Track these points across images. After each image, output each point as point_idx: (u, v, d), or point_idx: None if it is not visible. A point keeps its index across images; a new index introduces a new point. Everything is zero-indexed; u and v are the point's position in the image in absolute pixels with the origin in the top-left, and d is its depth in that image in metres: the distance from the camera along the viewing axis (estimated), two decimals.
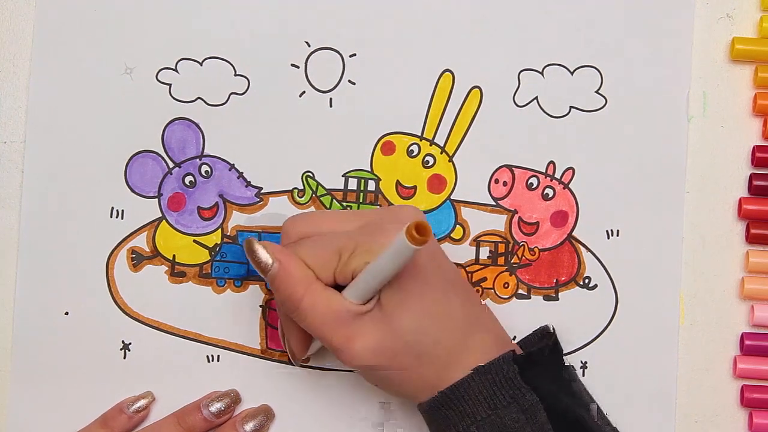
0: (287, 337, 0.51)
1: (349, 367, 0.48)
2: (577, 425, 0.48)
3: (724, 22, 0.55)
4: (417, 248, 0.42)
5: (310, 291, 0.46)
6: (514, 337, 0.54)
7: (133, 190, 0.55)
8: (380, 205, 0.55)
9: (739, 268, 0.55)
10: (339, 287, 0.47)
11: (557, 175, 0.55)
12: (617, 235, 0.55)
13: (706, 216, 0.55)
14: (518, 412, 0.46)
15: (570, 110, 0.55)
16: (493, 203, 0.55)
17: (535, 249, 0.55)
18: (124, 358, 0.55)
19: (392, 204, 0.55)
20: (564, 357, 0.52)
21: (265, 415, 0.54)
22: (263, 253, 0.47)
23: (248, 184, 0.55)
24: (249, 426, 0.53)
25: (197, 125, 0.55)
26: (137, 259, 0.55)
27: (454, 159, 0.55)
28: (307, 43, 0.55)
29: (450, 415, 0.47)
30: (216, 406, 0.53)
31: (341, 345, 0.46)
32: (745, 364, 0.54)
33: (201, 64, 0.55)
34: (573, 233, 0.55)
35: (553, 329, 0.53)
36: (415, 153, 0.55)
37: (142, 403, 0.54)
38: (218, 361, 0.55)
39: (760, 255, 0.55)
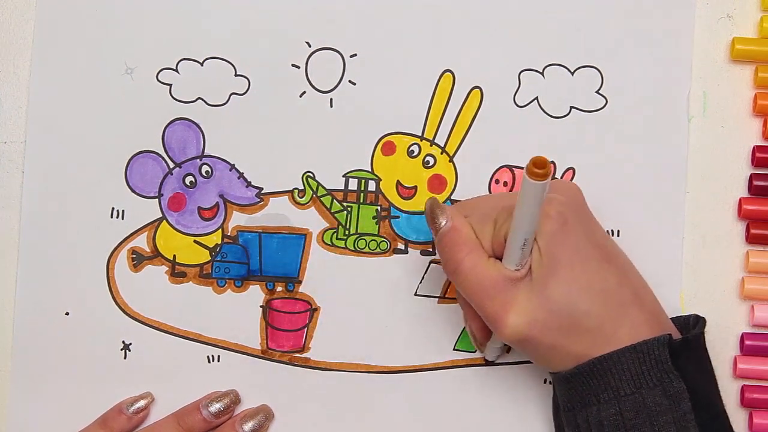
0: (468, 322, 0.52)
1: (502, 339, 0.47)
2: (719, 420, 0.47)
3: (724, 22, 0.55)
4: (540, 183, 0.41)
5: (471, 255, 0.47)
6: None
7: (133, 191, 0.55)
8: (381, 205, 0.55)
9: (739, 268, 0.55)
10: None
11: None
12: (617, 235, 0.55)
13: (706, 216, 0.55)
14: (662, 396, 0.45)
15: (570, 110, 0.55)
16: None
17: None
18: (125, 358, 0.55)
19: (393, 204, 0.55)
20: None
21: (265, 415, 0.54)
22: (441, 213, 0.48)
23: (249, 184, 0.55)
24: (248, 426, 0.53)
25: (198, 125, 0.55)
26: (138, 260, 0.55)
27: (454, 159, 0.55)
28: (307, 43, 0.55)
29: (593, 385, 0.46)
30: (215, 407, 0.53)
31: (496, 313, 0.47)
32: (745, 364, 0.54)
33: (201, 64, 0.55)
34: None
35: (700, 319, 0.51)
36: (415, 153, 0.55)
37: (141, 403, 0.54)
38: (218, 361, 0.55)
39: (760, 255, 0.55)
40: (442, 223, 0.48)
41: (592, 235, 0.48)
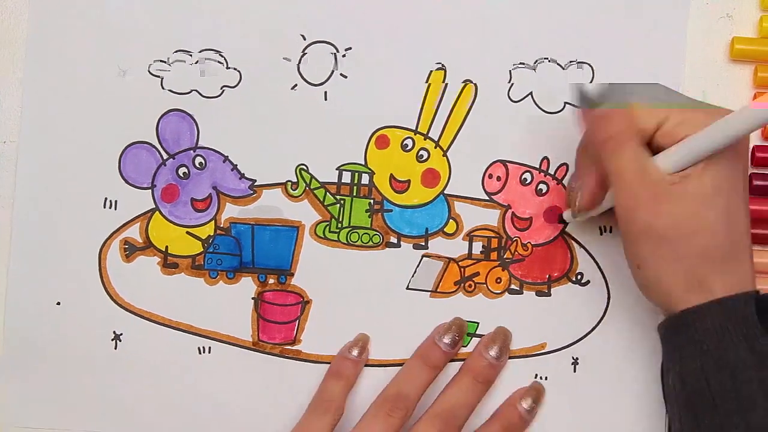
0: (580, 187, 0.50)
1: (633, 234, 0.46)
2: None
3: (724, 22, 0.55)
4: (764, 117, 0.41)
5: (625, 133, 0.46)
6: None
7: (126, 181, 0.55)
8: (374, 199, 0.55)
9: None
10: None
11: (551, 170, 0.55)
12: (610, 232, 0.55)
13: None
14: (747, 351, 0.44)
15: (564, 106, 0.55)
16: (487, 198, 0.55)
17: (528, 244, 0.55)
18: (116, 348, 0.55)
19: (386, 198, 0.55)
20: None
21: (537, 392, 0.54)
22: (594, 89, 0.48)
23: (242, 176, 0.55)
24: (493, 351, 0.54)
25: (192, 117, 0.55)
26: (130, 250, 0.55)
27: (448, 153, 0.55)
28: (302, 36, 0.55)
29: (677, 340, 0.46)
30: (448, 337, 0.54)
31: (647, 203, 0.45)
32: None
33: (193, 56, 0.55)
34: (566, 229, 0.55)
35: None
36: (409, 147, 0.55)
37: (360, 344, 0.54)
38: (209, 352, 0.55)
39: (760, 255, 0.54)
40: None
41: (745, 179, 0.47)
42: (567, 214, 0.54)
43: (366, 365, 0.55)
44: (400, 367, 0.55)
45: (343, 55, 0.55)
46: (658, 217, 0.46)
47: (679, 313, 0.46)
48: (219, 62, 0.55)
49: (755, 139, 0.55)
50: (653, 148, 0.46)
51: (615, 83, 0.52)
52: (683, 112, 0.46)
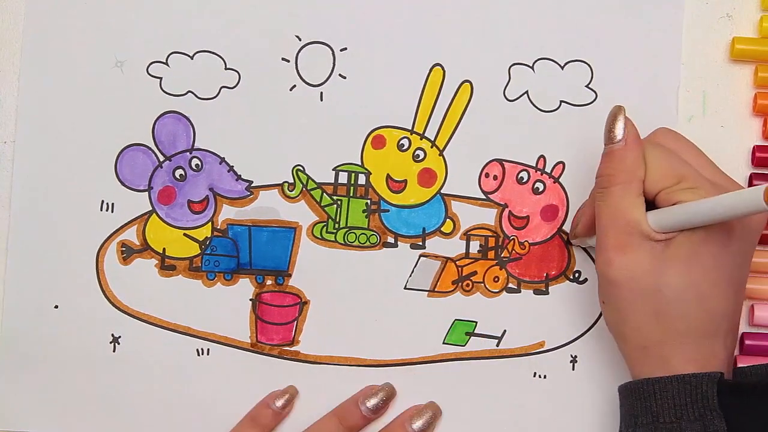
0: (582, 214, 0.52)
1: (598, 272, 0.47)
2: None
3: (724, 22, 0.55)
4: (765, 208, 0.39)
5: (628, 183, 0.46)
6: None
7: (123, 184, 0.55)
8: (370, 199, 0.55)
9: None
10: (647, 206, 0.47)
11: (547, 169, 0.55)
12: None
13: None
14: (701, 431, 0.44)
15: (560, 104, 0.55)
16: (484, 197, 0.55)
17: (525, 243, 0.55)
18: (114, 351, 0.55)
19: (383, 198, 0.55)
20: None
21: (433, 412, 0.54)
22: (620, 127, 0.48)
23: (238, 177, 0.55)
24: (417, 425, 0.53)
25: (188, 119, 0.55)
26: (127, 253, 0.55)
27: (444, 153, 0.55)
28: (297, 37, 0.55)
29: (637, 406, 0.46)
30: (373, 402, 0.53)
31: (609, 248, 0.46)
32: (745, 364, 0.54)
33: (192, 57, 0.55)
34: (563, 227, 0.55)
35: None
36: (405, 147, 0.55)
37: (287, 397, 0.54)
38: (208, 354, 0.55)
39: (760, 255, 0.54)
40: (617, 137, 0.47)
41: (740, 259, 0.47)
42: (575, 240, 0.55)
43: (364, 365, 0.55)
44: (399, 367, 0.55)
45: (341, 52, 0.55)
46: (616, 266, 0.46)
47: (641, 381, 0.46)
48: (217, 63, 0.55)
49: (755, 139, 0.55)
50: (657, 203, 0.47)
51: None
52: (697, 180, 0.46)
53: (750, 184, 0.55)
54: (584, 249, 0.55)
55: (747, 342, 0.54)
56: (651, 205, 0.47)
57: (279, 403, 0.54)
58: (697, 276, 0.45)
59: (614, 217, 0.47)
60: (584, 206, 0.53)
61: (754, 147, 0.55)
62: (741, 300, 0.48)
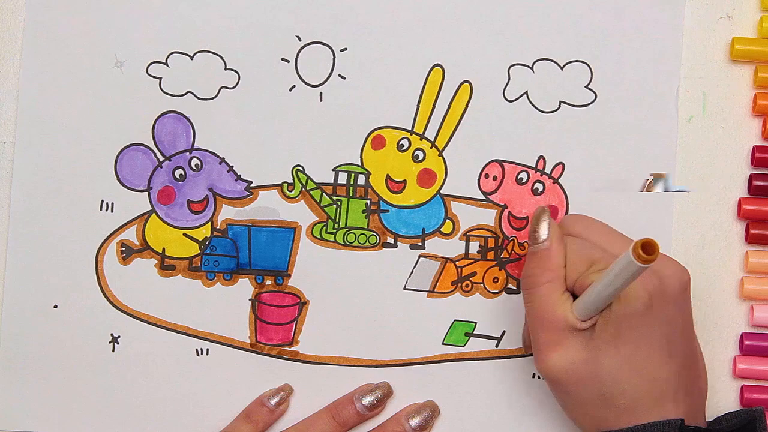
0: (526, 323, 0.52)
1: (537, 369, 0.49)
2: None
3: (724, 22, 0.55)
4: (640, 266, 0.40)
5: (550, 284, 0.48)
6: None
7: (123, 184, 0.55)
8: (370, 199, 0.55)
9: (739, 268, 0.55)
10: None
11: (547, 169, 0.55)
12: None
13: (706, 216, 0.55)
14: None
15: (560, 105, 0.55)
16: (483, 198, 0.55)
17: (525, 244, 0.55)
18: (113, 351, 0.55)
19: (383, 198, 0.55)
20: None
21: (431, 410, 0.54)
22: (544, 228, 0.49)
23: (238, 177, 0.55)
24: (414, 422, 0.53)
25: (187, 119, 0.55)
26: (127, 253, 0.55)
27: (444, 153, 0.55)
28: (297, 37, 0.55)
29: None
30: (368, 399, 0.53)
31: (542, 347, 0.48)
32: (745, 364, 0.54)
33: (192, 57, 0.55)
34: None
35: (758, 414, 0.49)
36: (405, 147, 0.55)
37: (282, 395, 0.54)
38: (207, 354, 0.55)
39: (760, 255, 0.55)
40: (540, 238, 0.49)
41: (668, 327, 0.47)
42: (527, 349, 0.55)
43: (363, 366, 0.55)
44: (398, 367, 0.55)
45: (341, 52, 0.55)
46: (552, 364, 0.47)
47: None
48: (217, 63, 0.55)
49: (755, 139, 0.55)
50: (575, 292, 0.48)
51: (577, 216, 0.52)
52: (607, 259, 0.47)
53: (750, 184, 0.55)
54: None
55: (747, 342, 0.54)
56: (576, 296, 0.48)
57: (274, 400, 0.54)
58: (626, 352, 0.46)
59: (542, 316, 0.48)
60: (526, 318, 0.52)
61: (753, 147, 0.55)
62: (685, 359, 0.48)
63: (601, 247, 0.48)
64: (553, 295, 0.48)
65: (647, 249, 0.40)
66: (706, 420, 0.50)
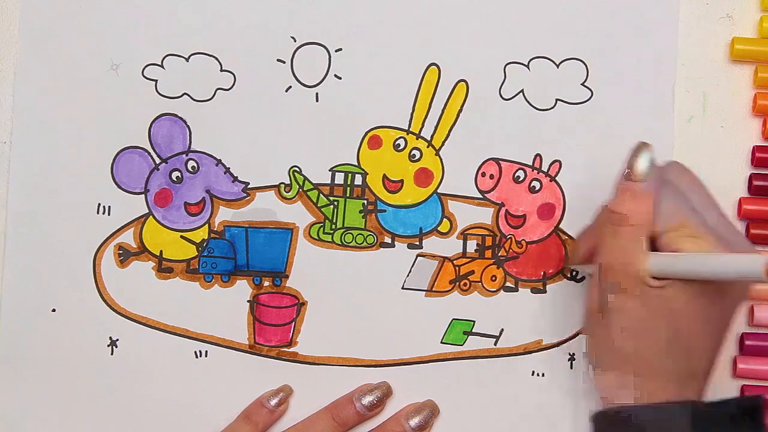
0: (584, 242, 0.51)
1: (587, 307, 0.48)
2: None
3: (724, 22, 0.55)
4: (763, 279, 0.40)
5: (640, 229, 0.46)
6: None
7: (119, 186, 0.55)
8: (367, 199, 0.55)
9: None
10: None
11: (544, 167, 0.55)
12: None
13: None
14: None
15: (556, 103, 0.55)
16: (480, 196, 0.55)
17: (523, 242, 0.55)
18: (112, 354, 0.55)
19: (380, 198, 0.55)
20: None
21: (431, 410, 0.54)
22: (644, 165, 0.47)
23: (235, 179, 0.55)
24: (414, 421, 0.53)
25: (184, 121, 0.55)
26: (124, 255, 0.55)
27: (440, 152, 0.55)
28: (293, 38, 0.55)
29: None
30: (368, 399, 0.53)
31: (607, 285, 0.46)
32: (745, 364, 0.54)
33: (187, 59, 0.55)
34: (560, 226, 0.55)
35: (762, 401, 0.48)
36: (401, 147, 0.55)
37: (282, 396, 0.54)
38: (206, 356, 0.55)
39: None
40: (640, 176, 0.47)
41: (728, 314, 0.47)
42: (575, 266, 0.55)
43: (362, 366, 0.55)
44: (397, 367, 0.55)
45: (336, 52, 0.55)
46: (607, 305, 0.46)
47: (614, 409, 0.46)
48: (212, 65, 0.55)
49: (755, 139, 0.55)
50: (657, 244, 0.47)
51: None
52: (699, 228, 0.46)
53: (750, 184, 0.55)
54: None
55: (747, 342, 0.54)
56: (651, 243, 0.47)
57: (273, 401, 0.54)
58: (682, 327, 0.46)
59: (619, 257, 0.47)
60: (586, 233, 0.52)
61: (754, 147, 0.55)
62: (720, 348, 0.48)
63: (695, 210, 0.47)
64: (636, 241, 0.46)
65: None
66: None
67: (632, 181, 0.47)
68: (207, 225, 0.55)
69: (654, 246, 0.47)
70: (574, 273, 0.55)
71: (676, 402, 0.45)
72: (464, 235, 0.55)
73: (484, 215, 0.55)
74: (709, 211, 0.48)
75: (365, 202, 0.55)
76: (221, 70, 0.55)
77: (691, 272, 0.45)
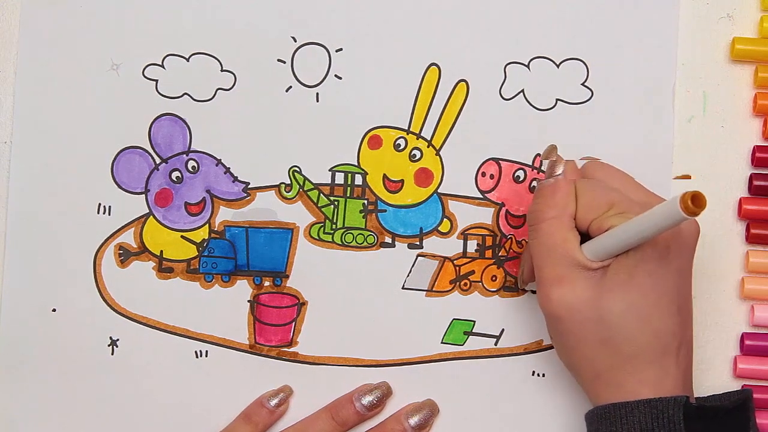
0: (525, 261, 0.52)
1: (540, 308, 0.48)
2: None
3: (724, 22, 0.56)
4: (684, 217, 0.39)
5: (558, 218, 0.47)
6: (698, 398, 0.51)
7: (120, 186, 0.55)
8: (367, 199, 0.55)
9: (739, 268, 0.55)
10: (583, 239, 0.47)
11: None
12: None
13: (706, 216, 0.55)
14: None
15: (556, 103, 0.55)
16: (481, 196, 0.55)
17: (523, 242, 0.55)
18: (112, 354, 0.55)
19: (380, 198, 0.55)
20: (752, 424, 0.48)
21: (430, 409, 0.54)
22: (559, 164, 0.48)
23: (235, 179, 0.55)
24: (414, 420, 0.53)
25: (184, 121, 0.55)
26: (125, 255, 0.55)
27: (440, 152, 0.55)
28: (293, 38, 0.55)
29: (601, 430, 0.46)
30: (368, 399, 0.53)
31: (546, 281, 0.47)
32: (745, 364, 0.54)
33: (188, 60, 0.55)
34: None
35: (749, 394, 0.49)
36: (402, 147, 0.55)
37: (282, 396, 0.54)
38: (206, 356, 0.55)
39: (760, 255, 0.55)
40: (556, 172, 0.48)
41: (679, 278, 0.47)
42: (523, 286, 0.54)
43: (363, 365, 0.55)
44: (397, 367, 0.55)
45: (336, 52, 0.55)
46: (555, 300, 0.46)
47: (608, 406, 0.46)
48: (213, 65, 0.55)
49: (755, 139, 0.55)
50: (590, 233, 0.47)
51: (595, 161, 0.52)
52: (626, 204, 0.46)
53: (750, 184, 0.55)
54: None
55: (747, 342, 0.54)
56: (587, 237, 0.47)
57: (273, 402, 0.54)
58: (636, 298, 0.45)
59: (548, 252, 0.47)
60: (526, 251, 0.52)
61: (754, 147, 0.55)
62: (688, 315, 0.48)
63: (619, 191, 0.48)
64: (559, 231, 0.47)
65: (696, 201, 0.39)
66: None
67: (544, 181, 0.48)
68: (207, 225, 0.55)
69: (588, 238, 0.47)
70: None
71: (669, 398, 0.45)
72: (464, 235, 0.55)
73: (485, 215, 0.55)
74: (633, 190, 0.48)
75: (365, 202, 0.55)
76: (221, 70, 0.55)
77: (622, 244, 0.45)
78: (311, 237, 0.55)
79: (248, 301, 0.55)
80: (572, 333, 0.46)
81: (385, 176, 0.55)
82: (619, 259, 0.46)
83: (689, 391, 0.48)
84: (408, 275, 0.55)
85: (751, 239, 0.55)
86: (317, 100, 0.55)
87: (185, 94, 0.55)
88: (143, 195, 0.55)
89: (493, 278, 0.55)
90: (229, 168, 0.55)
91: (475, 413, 0.55)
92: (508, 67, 0.55)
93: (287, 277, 0.55)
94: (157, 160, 0.55)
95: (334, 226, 0.55)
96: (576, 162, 0.50)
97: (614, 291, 0.45)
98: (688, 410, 0.45)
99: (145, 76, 0.55)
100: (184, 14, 0.55)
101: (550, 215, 0.47)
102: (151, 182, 0.55)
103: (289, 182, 0.55)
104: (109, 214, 0.55)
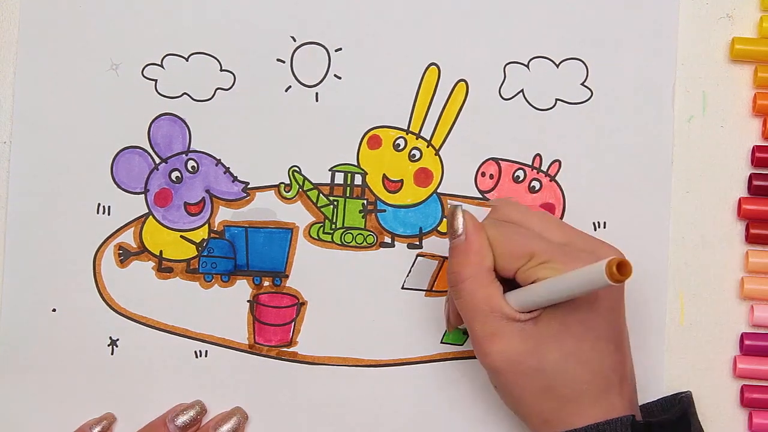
0: (449, 307, 0.51)
1: (480, 363, 0.48)
2: None
3: (724, 22, 0.55)
4: (609, 284, 0.40)
5: (476, 277, 0.46)
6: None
7: (119, 186, 0.55)
8: (367, 199, 0.55)
9: (739, 268, 0.55)
10: (509, 284, 0.47)
11: (543, 167, 0.55)
12: (604, 227, 0.55)
13: (706, 216, 0.55)
14: None
15: (556, 103, 0.55)
16: (480, 196, 0.55)
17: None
18: (112, 354, 0.55)
19: (380, 198, 0.55)
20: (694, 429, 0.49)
21: (239, 417, 0.53)
22: (460, 222, 0.47)
23: (235, 179, 0.55)
24: (223, 429, 0.53)
25: (183, 121, 0.55)
26: (124, 255, 0.55)
27: (440, 152, 0.55)
28: (292, 38, 0.55)
29: None
30: (182, 419, 0.53)
31: (480, 339, 0.46)
32: (745, 364, 0.54)
33: (187, 59, 0.55)
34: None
35: (688, 401, 0.50)
36: (401, 147, 0.55)
37: (104, 424, 0.53)
38: (206, 356, 0.55)
39: (759, 255, 0.54)
40: (457, 234, 0.47)
41: (612, 316, 0.47)
42: (447, 325, 0.54)
43: (362, 365, 0.55)
44: (396, 367, 0.55)
45: (336, 52, 0.55)
46: (493, 355, 0.46)
47: None
48: (212, 65, 0.55)
49: (755, 139, 0.55)
50: (517, 281, 0.47)
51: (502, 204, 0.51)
52: (547, 252, 0.46)
53: (750, 184, 0.55)
54: None
55: (747, 342, 0.54)
56: (513, 282, 0.47)
57: (95, 430, 0.53)
58: (572, 346, 0.46)
59: (474, 310, 0.47)
60: (449, 297, 0.52)
61: (754, 147, 0.55)
62: (625, 348, 0.48)
63: (539, 236, 0.47)
64: (480, 288, 0.46)
65: (621, 269, 0.39)
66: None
67: (453, 240, 0.48)
68: (207, 225, 0.55)
69: (514, 283, 0.47)
70: None
71: (615, 419, 0.45)
72: None
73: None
74: (552, 230, 0.48)
75: (365, 202, 0.55)
76: (221, 70, 0.55)
77: (549, 298, 0.45)
78: (311, 237, 0.55)
79: (248, 301, 0.55)
80: (515, 384, 0.47)
81: (384, 176, 0.55)
82: (549, 311, 0.46)
83: (635, 410, 0.48)
84: (407, 275, 0.55)
85: (750, 239, 0.55)
86: (317, 100, 0.55)
87: (184, 93, 0.55)
88: (143, 195, 0.55)
89: None
90: (228, 168, 0.55)
91: (475, 413, 0.55)
92: (507, 66, 0.55)
93: (287, 277, 0.55)
94: (157, 160, 0.55)
95: (333, 226, 0.55)
96: (471, 214, 0.48)
97: (549, 341, 0.46)
98: (636, 428, 0.45)
99: (144, 76, 0.55)
100: (184, 14, 0.55)
101: (468, 275, 0.47)
102: (151, 182, 0.55)
103: (288, 182, 0.55)
104: (109, 214, 0.55)
